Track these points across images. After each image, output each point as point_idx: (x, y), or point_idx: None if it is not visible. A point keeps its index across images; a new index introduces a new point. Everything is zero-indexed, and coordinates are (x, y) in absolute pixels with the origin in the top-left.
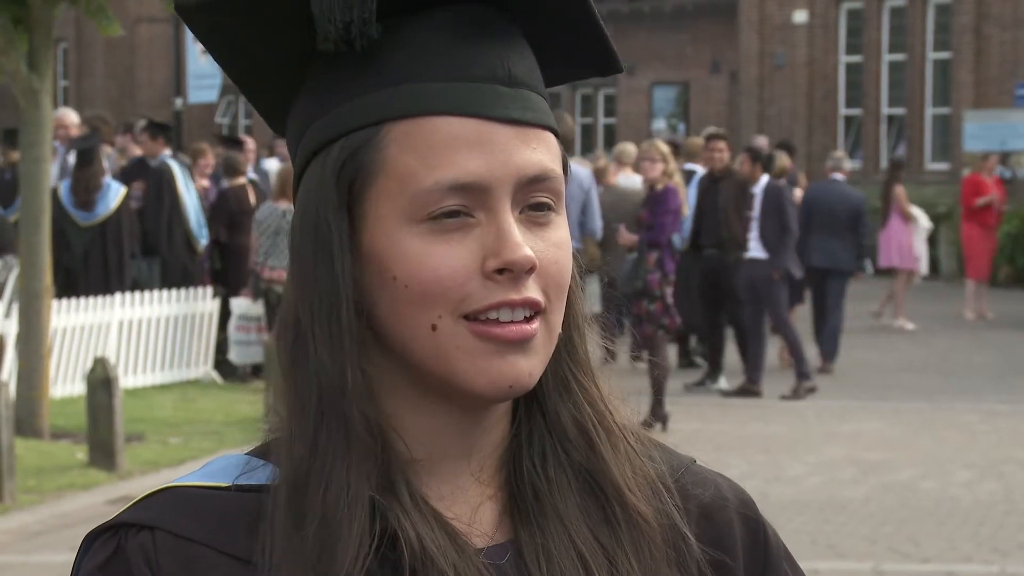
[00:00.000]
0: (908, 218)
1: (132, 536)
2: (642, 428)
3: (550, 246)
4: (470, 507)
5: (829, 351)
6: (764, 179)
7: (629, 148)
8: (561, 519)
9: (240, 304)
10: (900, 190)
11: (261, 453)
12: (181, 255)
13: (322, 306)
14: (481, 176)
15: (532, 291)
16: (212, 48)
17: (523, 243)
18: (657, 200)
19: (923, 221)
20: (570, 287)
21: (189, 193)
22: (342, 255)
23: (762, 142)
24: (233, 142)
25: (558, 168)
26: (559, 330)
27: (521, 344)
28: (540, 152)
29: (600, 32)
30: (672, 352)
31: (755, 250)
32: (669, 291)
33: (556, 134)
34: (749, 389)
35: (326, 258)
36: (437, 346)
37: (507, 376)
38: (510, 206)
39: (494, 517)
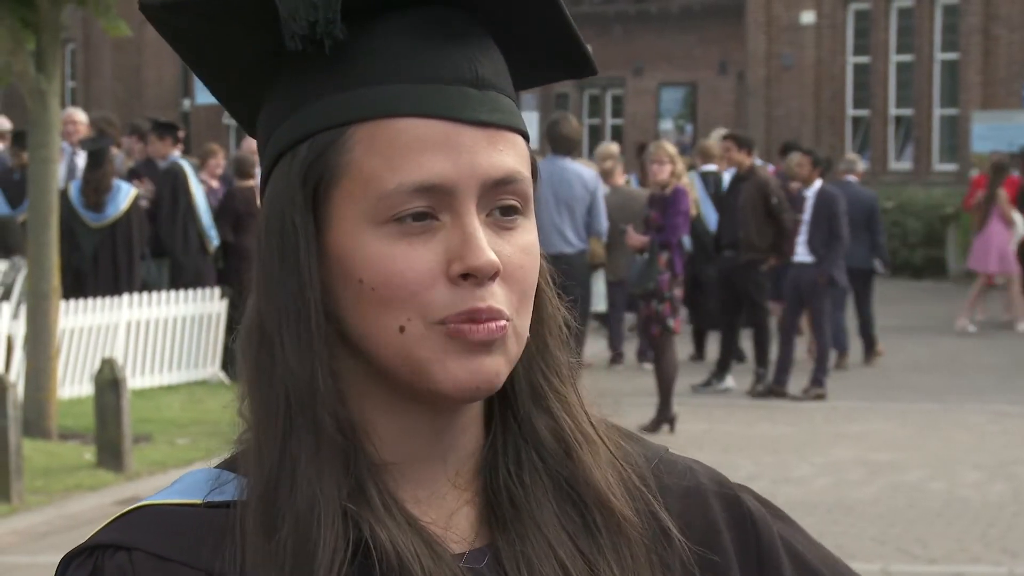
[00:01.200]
0: (1009, 222)
1: (109, 557)
2: (610, 420)
3: (516, 251)
4: (447, 512)
5: (868, 343)
6: (818, 183)
7: (612, 148)
8: (539, 526)
9: None
10: (1004, 193)
11: (230, 466)
12: (196, 256)
13: (289, 309)
14: (446, 178)
15: (497, 298)
16: (180, 49)
17: (487, 248)
18: (668, 202)
19: (1021, 227)
20: (544, 292)
21: (199, 194)
22: (308, 257)
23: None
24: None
25: (526, 171)
26: (527, 334)
27: (488, 344)
28: (507, 155)
29: (571, 33)
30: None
31: (802, 254)
32: (678, 292)
33: (525, 137)
34: (776, 390)
35: (292, 260)
36: (404, 347)
37: (474, 377)
38: (475, 209)
39: (471, 523)
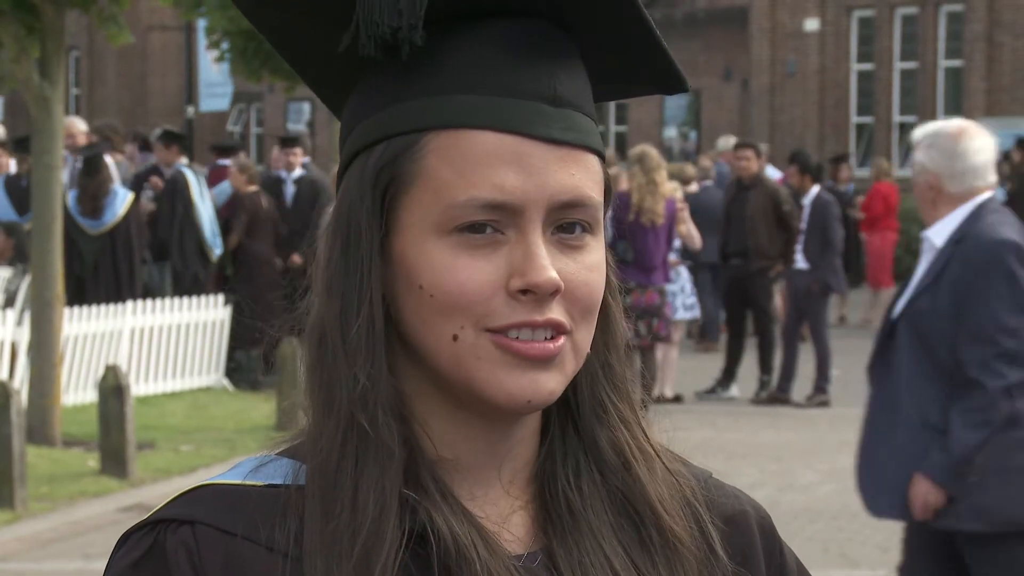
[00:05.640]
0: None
1: (171, 532)
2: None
3: (581, 269)
4: (500, 513)
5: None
6: (814, 190)
7: (609, 155)
8: (595, 535)
9: None
10: None
11: (292, 454)
12: (193, 263)
13: (349, 307)
14: (514, 196)
15: (556, 313)
16: (270, 39)
17: (549, 266)
18: None
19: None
20: (611, 308)
21: (204, 202)
22: (371, 258)
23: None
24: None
25: (596, 194)
26: (587, 350)
27: (543, 361)
28: (577, 176)
29: (659, 47)
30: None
31: (800, 262)
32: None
33: (602, 157)
34: (779, 397)
35: (354, 259)
36: (457, 355)
37: (527, 391)
38: (541, 227)
39: (526, 527)
